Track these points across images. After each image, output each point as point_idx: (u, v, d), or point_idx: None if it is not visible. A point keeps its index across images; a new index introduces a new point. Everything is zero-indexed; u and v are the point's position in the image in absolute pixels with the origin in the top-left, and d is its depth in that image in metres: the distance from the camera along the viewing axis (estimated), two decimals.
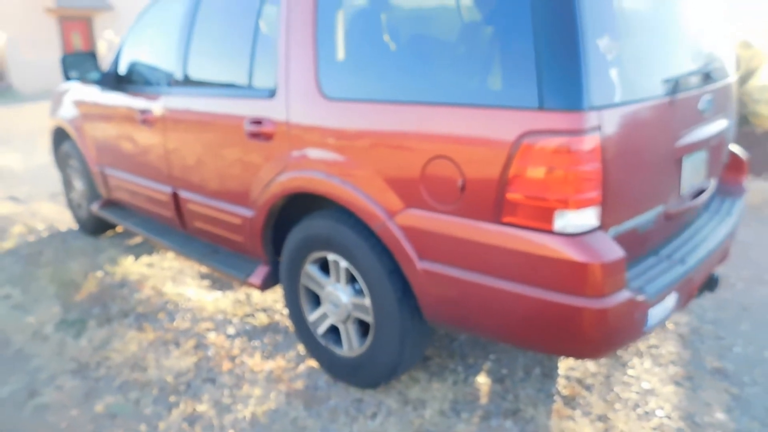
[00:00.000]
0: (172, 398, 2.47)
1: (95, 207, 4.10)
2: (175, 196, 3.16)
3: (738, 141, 3.27)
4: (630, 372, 2.60)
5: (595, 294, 1.63)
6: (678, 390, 2.49)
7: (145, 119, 3.19)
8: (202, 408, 2.40)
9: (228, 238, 2.90)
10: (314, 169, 2.24)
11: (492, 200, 1.76)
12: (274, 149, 2.42)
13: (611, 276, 1.65)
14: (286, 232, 2.62)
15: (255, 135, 2.48)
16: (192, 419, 2.34)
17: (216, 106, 2.73)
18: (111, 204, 4.08)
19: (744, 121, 5.70)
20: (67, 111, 4.18)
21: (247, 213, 2.66)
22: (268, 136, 2.43)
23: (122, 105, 3.45)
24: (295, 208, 2.56)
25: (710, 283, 2.26)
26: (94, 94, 3.79)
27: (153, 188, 3.33)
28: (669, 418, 2.30)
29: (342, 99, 2.15)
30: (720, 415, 2.33)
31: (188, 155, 2.95)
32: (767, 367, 2.67)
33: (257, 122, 2.46)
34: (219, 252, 3.06)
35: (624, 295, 1.69)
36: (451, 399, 2.41)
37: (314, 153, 2.25)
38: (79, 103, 4.02)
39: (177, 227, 3.33)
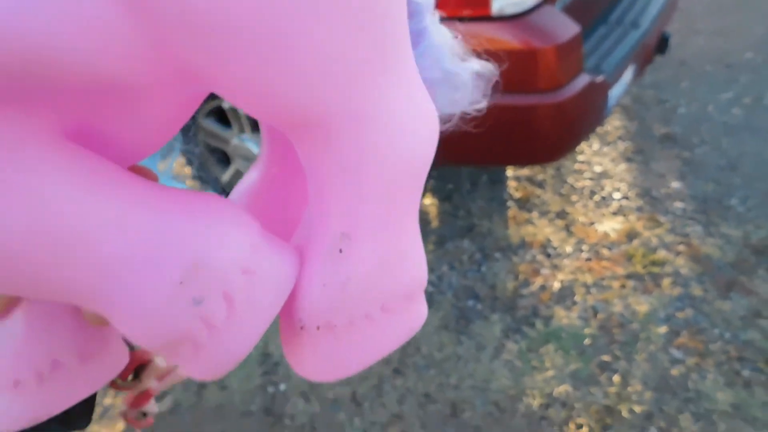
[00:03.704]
0: None
1: None
2: None
3: None
4: (580, 158, 2.43)
5: (553, 86, 1.32)
6: (631, 166, 2.35)
7: None
8: None
9: None
10: None
11: None
12: None
13: (568, 59, 1.33)
14: None
15: None
16: None
17: None
18: None
19: None
20: None
21: None
22: None
23: None
24: None
25: (661, 44, 1.99)
26: None
27: None
28: (627, 198, 2.18)
29: None
30: (675, 184, 2.23)
31: None
32: (712, 123, 2.56)
33: None
34: None
35: (583, 80, 1.39)
36: None
37: None
38: None
39: None
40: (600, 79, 1.46)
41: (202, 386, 1.66)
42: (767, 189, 2.14)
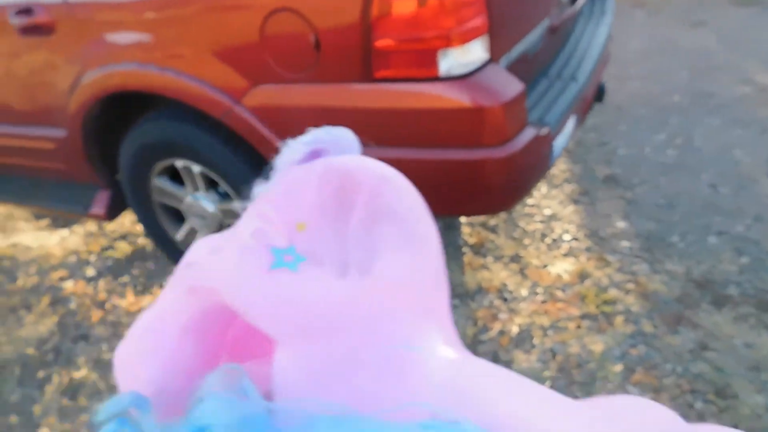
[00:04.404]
0: (41, 373, 2.06)
1: None
2: None
3: None
4: (530, 202, 2.52)
5: (500, 140, 1.39)
6: (578, 208, 2.45)
7: None
8: (80, 374, 2.03)
9: (48, 168, 2.32)
10: (122, 61, 1.71)
11: (357, 54, 1.39)
12: (61, 44, 1.82)
13: (514, 115, 1.40)
14: (118, 145, 2.11)
15: (28, 30, 1.85)
16: (73, 390, 1.97)
17: None
18: None
19: None
20: None
21: (59, 133, 2.09)
22: (47, 28, 1.81)
23: None
24: (125, 110, 2.03)
25: (599, 94, 2.12)
26: None
27: None
28: (576, 239, 2.26)
29: None
30: (620, 223, 2.33)
31: None
32: (649, 164, 2.70)
33: (26, 11, 1.82)
34: (43, 185, 2.48)
35: (529, 134, 1.47)
36: None
37: (116, 38, 1.71)
38: None
39: None
40: (545, 131, 1.54)
41: None
42: (704, 224, 2.26)
